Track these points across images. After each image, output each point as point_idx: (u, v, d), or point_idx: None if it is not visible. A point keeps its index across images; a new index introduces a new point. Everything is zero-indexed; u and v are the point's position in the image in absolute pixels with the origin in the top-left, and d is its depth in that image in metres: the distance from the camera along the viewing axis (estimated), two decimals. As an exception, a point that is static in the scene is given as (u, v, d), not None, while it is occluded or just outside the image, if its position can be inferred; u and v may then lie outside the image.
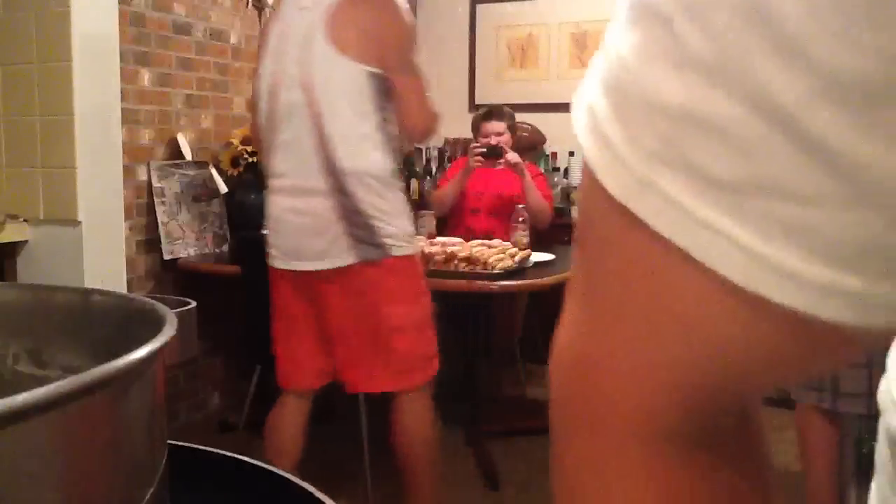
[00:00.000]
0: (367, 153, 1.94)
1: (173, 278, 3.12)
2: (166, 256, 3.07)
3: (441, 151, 4.68)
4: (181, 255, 3.13)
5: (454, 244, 2.63)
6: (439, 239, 2.70)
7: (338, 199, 1.93)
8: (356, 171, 1.93)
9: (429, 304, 2.09)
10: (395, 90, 2.02)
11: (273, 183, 2.07)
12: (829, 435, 2.16)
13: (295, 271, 2.04)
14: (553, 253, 3.03)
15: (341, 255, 1.96)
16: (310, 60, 1.95)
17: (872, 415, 2.28)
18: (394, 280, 1.99)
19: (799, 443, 2.24)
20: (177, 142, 3.11)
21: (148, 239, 3.05)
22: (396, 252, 1.97)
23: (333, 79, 1.93)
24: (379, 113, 1.96)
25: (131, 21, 2.94)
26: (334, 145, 1.92)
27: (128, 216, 2.76)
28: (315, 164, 1.94)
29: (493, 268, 2.50)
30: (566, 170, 4.40)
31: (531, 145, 4.46)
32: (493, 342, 3.58)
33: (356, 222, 1.93)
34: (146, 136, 3.05)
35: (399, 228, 1.98)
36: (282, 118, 2.01)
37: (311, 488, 0.56)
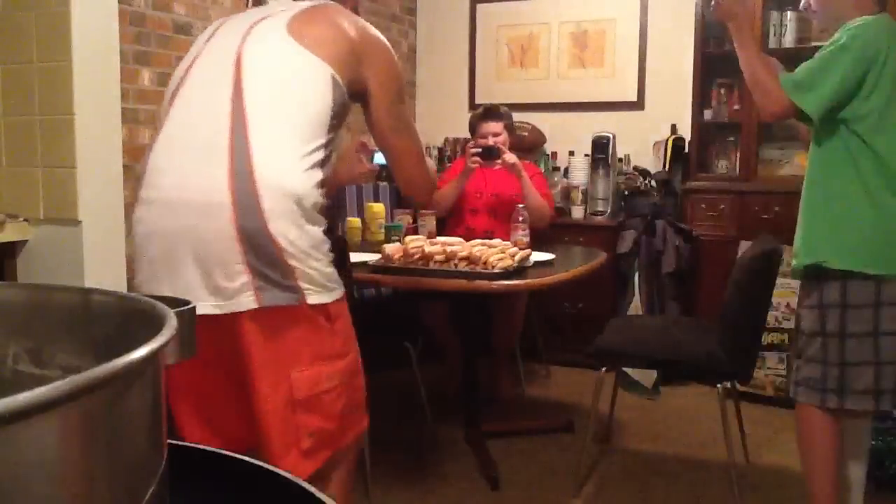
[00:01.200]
0: (293, 169, 1.46)
1: (173, 278, 3.12)
2: (166, 256, 3.07)
3: (441, 151, 4.68)
4: (181, 255, 3.12)
5: (454, 244, 2.63)
6: (439, 238, 2.70)
7: (244, 219, 1.41)
8: (276, 186, 1.43)
9: (354, 361, 1.61)
10: (390, 154, 1.72)
11: (146, 193, 1.53)
12: (832, 435, 2.14)
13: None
14: (553, 253, 3.03)
15: (236, 297, 1.44)
16: (252, 46, 1.54)
17: (880, 411, 2.23)
18: (308, 336, 1.50)
19: (800, 443, 2.22)
20: (177, 142, 3.11)
21: (148, 239, 3.05)
22: (314, 299, 1.48)
23: (279, 69, 1.52)
24: (326, 136, 1.53)
25: (131, 21, 2.95)
26: (255, 149, 1.44)
27: (128, 216, 2.75)
28: (221, 169, 1.44)
29: (493, 267, 2.50)
30: (566, 169, 4.40)
31: (531, 145, 4.46)
32: (493, 342, 3.58)
33: (263, 253, 1.43)
34: (146, 135, 3.05)
35: (317, 271, 1.48)
36: (185, 109, 1.55)
37: (311, 488, 0.56)
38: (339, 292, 1.55)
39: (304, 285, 1.46)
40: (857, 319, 2.06)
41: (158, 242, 1.49)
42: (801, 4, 2.28)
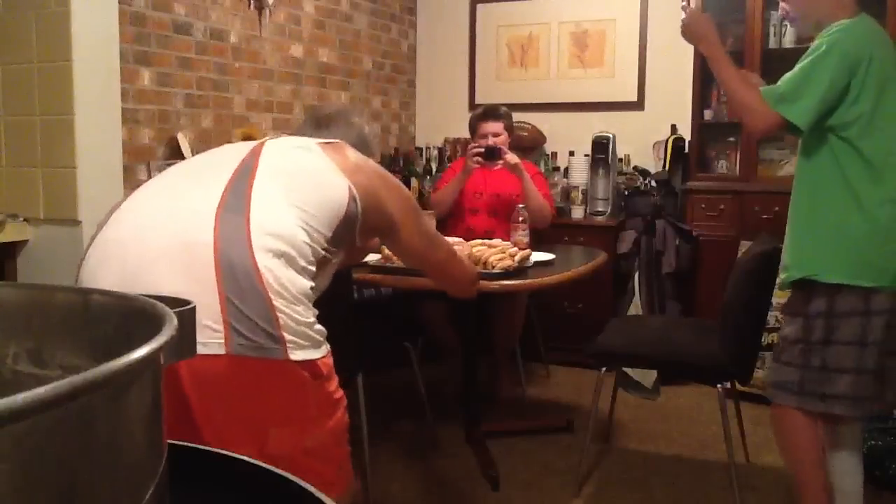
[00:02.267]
0: (291, 224, 1.33)
1: (173, 278, 3.12)
2: (166, 256, 3.07)
3: (441, 151, 4.68)
4: (181, 255, 3.12)
5: (454, 244, 2.62)
6: (439, 239, 2.69)
7: (225, 244, 1.25)
8: (266, 228, 1.29)
9: (342, 421, 1.42)
10: (432, 269, 1.78)
11: (118, 215, 1.39)
12: (812, 436, 2.12)
13: None
14: (553, 253, 3.03)
15: (204, 339, 1.20)
16: (275, 141, 1.51)
17: (857, 417, 2.16)
18: (290, 395, 1.31)
19: (781, 446, 2.19)
20: (177, 141, 3.11)
21: (148, 239, 3.05)
22: (299, 354, 1.28)
23: (301, 159, 1.45)
24: (330, 231, 1.40)
25: (131, 21, 2.94)
26: (255, 198, 1.32)
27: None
28: (209, 202, 1.30)
29: (493, 267, 2.50)
30: (566, 169, 4.40)
31: (531, 145, 4.46)
32: (493, 342, 3.58)
33: (244, 288, 1.24)
34: (146, 135, 3.05)
35: (304, 319, 1.30)
36: (178, 174, 1.48)
37: (310, 488, 0.56)
38: (326, 347, 1.36)
39: (288, 336, 1.26)
40: (843, 327, 2.03)
41: (107, 278, 1.27)
42: (779, 13, 2.26)
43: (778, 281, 2.18)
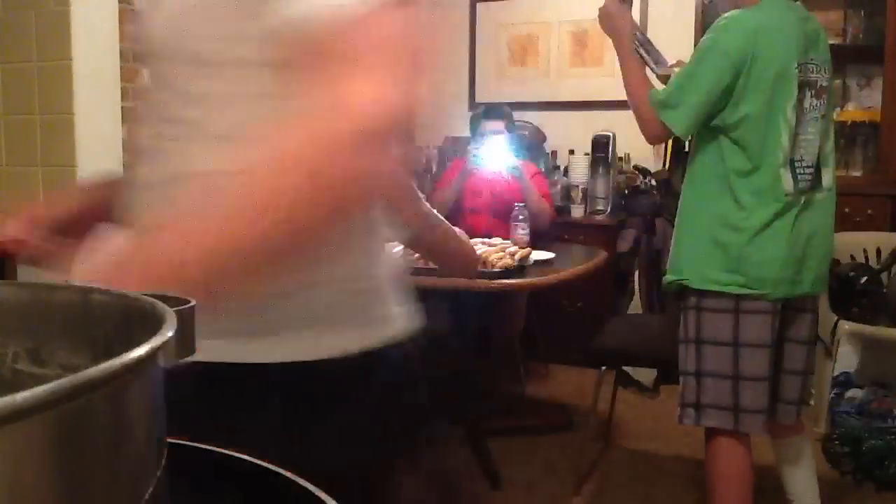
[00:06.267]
0: None
1: (173, 277, 3.11)
2: (166, 256, 3.07)
3: (441, 150, 4.68)
4: (181, 255, 3.11)
5: (454, 243, 2.62)
6: (439, 238, 2.69)
7: None
8: None
9: None
10: (429, 250, 1.74)
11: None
12: (744, 460, 1.97)
13: None
14: (553, 252, 3.03)
15: None
16: None
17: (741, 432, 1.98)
18: None
19: (712, 478, 2.03)
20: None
21: (148, 238, 3.05)
22: None
23: None
24: None
25: (131, 20, 2.94)
26: None
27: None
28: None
29: (493, 266, 2.50)
30: (566, 168, 4.40)
31: (531, 144, 4.46)
32: (493, 341, 3.58)
33: None
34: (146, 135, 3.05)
35: None
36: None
37: (311, 488, 0.55)
38: None
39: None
40: (712, 324, 1.92)
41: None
42: None
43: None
